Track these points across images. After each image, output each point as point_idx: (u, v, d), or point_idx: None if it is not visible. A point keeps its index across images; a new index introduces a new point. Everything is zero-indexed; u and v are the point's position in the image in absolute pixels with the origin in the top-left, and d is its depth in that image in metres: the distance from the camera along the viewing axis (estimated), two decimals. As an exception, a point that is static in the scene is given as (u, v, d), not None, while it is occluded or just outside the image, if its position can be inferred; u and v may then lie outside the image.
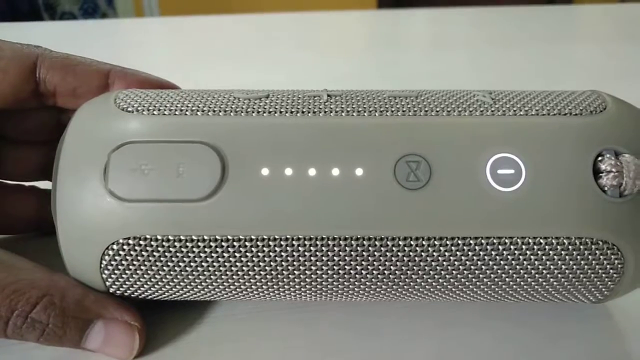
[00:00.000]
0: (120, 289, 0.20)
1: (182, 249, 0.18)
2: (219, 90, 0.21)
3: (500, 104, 0.19)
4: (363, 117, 0.19)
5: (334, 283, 0.20)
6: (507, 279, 0.19)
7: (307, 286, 0.20)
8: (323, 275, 0.19)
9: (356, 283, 0.20)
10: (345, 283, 0.20)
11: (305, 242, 0.18)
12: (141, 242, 0.18)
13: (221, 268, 0.19)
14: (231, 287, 0.20)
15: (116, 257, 0.19)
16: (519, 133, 0.18)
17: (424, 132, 0.19)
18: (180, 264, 0.19)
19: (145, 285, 0.20)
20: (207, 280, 0.20)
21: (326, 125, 0.19)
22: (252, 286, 0.20)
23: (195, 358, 0.21)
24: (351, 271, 0.19)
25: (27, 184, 0.27)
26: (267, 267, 0.19)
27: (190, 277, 0.19)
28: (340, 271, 0.19)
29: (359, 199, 0.18)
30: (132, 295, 0.21)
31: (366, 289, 0.20)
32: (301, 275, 0.19)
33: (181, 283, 0.20)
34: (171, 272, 0.19)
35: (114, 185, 0.18)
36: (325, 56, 0.55)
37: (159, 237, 0.18)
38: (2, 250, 0.20)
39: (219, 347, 0.21)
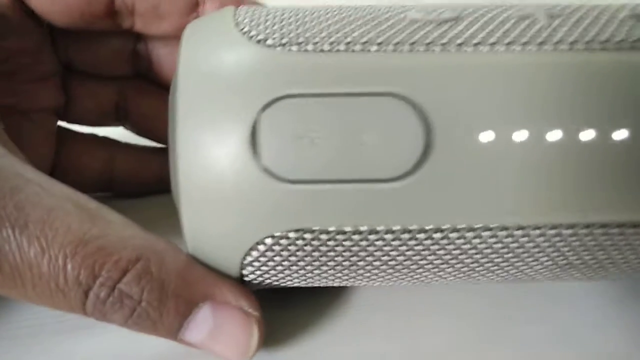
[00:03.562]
0: (260, 285, 0.15)
1: (361, 243, 0.13)
2: (378, 7, 0.15)
3: None
4: (608, 52, 0.13)
5: (543, 272, 0.15)
6: None
7: (504, 273, 0.15)
8: (535, 266, 0.15)
9: (572, 272, 0.15)
10: (558, 272, 0.15)
11: (531, 232, 0.13)
12: (306, 235, 0.13)
13: (406, 262, 0.14)
14: (402, 277, 0.15)
15: (268, 253, 0.14)
16: None
17: None
18: (353, 258, 0.14)
19: (294, 281, 0.15)
20: (378, 273, 0.15)
21: (562, 67, 0.13)
22: (432, 276, 0.15)
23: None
24: (575, 261, 0.14)
25: (99, 133, 0.22)
26: (466, 259, 0.14)
27: (359, 271, 0.15)
28: (560, 260, 0.14)
29: (621, 172, 0.13)
30: (268, 288, 0.16)
31: (576, 274, 0.15)
32: (505, 265, 0.15)
33: (342, 276, 0.15)
34: (336, 267, 0.14)
35: (270, 159, 0.13)
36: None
37: (330, 230, 0.13)
38: (87, 197, 0.15)
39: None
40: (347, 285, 0.16)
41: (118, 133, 0.22)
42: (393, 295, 0.18)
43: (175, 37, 0.19)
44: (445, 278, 0.15)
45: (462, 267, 0.14)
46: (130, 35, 0.20)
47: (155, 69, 0.21)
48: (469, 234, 0.13)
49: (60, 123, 0.21)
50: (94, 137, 0.22)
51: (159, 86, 0.21)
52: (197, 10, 0.18)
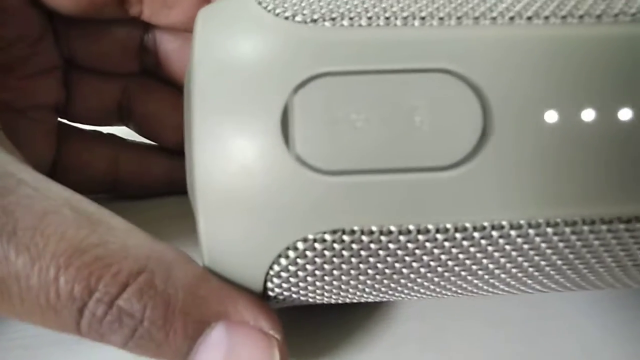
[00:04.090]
0: (285, 302, 0.13)
1: (408, 245, 0.12)
2: None
3: None
4: (673, 24, 0.12)
5: (605, 276, 0.13)
6: None
7: (563, 279, 0.13)
8: (599, 268, 0.13)
9: (635, 275, 0.13)
10: (620, 275, 0.13)
11: (601, 228, 0.12)
12: (345, 237, 0.11)
13: (457, 268, 0.12)
14: (450, 287, 0.13)
15: (299, 261, 0.12)
16: None
17: None
18: (397, 265, 0.12)
19: (324, 296, 0.13)
20: (424, 282, 0.13)
21: (624, 40, 0.12)
22: (483, 284, 0.13)
23: None
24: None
25: (104, 130, 0.21)
26: (525, 263, 0.12)
27: (402, 280, 0.13)
28: (627, 260, 0.13)
29: None
30: (292, 305, 0.14)
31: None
32: (566, 269, 0.13)
33: (382, 287, 0.13)
34: (377, 276, 0.12)
35: (304, 148, 0.11)
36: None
37: (374, 229, 0.11)
38: (88, 200, 0.13)
39: None
40: (384, 299, 0.14)
41: (124, 132, 0.21)
42: (425, 303, 0.16)
43: (184, 30, 0.18)
44: (497, 286, 0.13)
45: (519, 273, 0.13)
46: (138, 28, 0.19)
47: (163, 65, 0.19)
48: (531, 231, 0.12)
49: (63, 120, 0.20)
50: (98, 134, 0.21)
51: (166, 84, 0.20)
52: (209, 2, 0.17)
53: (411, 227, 0.11)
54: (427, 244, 0.12)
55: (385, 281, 0.13)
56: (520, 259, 0.12)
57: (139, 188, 0.21)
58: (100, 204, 0.18)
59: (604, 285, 0.14)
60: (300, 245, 0.11)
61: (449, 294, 0.14)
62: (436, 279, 0.13)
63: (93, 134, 0.21)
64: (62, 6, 0.17)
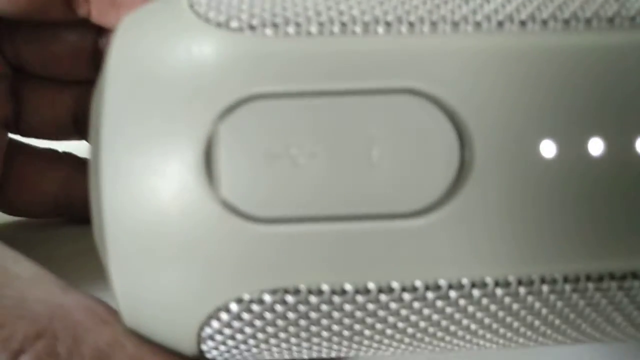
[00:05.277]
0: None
1: (368, 306, 0.09)
2: None
3: None
4: None
5: (610, 333, 0.11)
6: None
7: (560, 336, 0.11)
8: (606, 327, 0.11)
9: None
10: (631, 332, 0.11)
11: (611, 285, 0.09)
12: (288, 297, 0.09)
13: (430, 329, 0.10)
14: (422, 347, 0.11)
15: (234, 324, 0.09)
16: None
17: None
18: (356, 326, 0.10)
19: (270, 355, 0.11)
20: (389, 343, 0.11)
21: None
22: (463, 343, 0.11)
23: None
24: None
25: (60, 149, 0.19)
26: (515, 323, 0.10)
27: (365, 342, 0.10)
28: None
29: None
30: None
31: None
32: (564, 328, 0.11)
33: (340, 347, 0.11)
34: (332, 338, 0.10)
35: (233, 189, 0.09)
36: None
37: (324, 288, 0.09)
38: None
39: None
40: (343, 356, 0.12)
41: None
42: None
43: None
44: (478, 344, 0.11)
45: (508, 332, 0.10)
46: (90, 31, 0.17)
47: None
48: (522, 290, 0.09)
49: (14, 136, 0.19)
50: (50, 154, 0.19)
51: None
52: None
53: (371, 286, 0.09)
54: (392, 305, 0.09)
55: (343, 342, 0.10)
56: (509, 319, 0.10)
57: None
58: (51, 229, 0.16)
59: (604, 340, 0.12)
60: (233, 306, 0.09)
61: (421, 350, 0.11)
62: (406, 339, 0.10)
63: (45, 153, 0.19)
64: (3, 9, 0.15)
